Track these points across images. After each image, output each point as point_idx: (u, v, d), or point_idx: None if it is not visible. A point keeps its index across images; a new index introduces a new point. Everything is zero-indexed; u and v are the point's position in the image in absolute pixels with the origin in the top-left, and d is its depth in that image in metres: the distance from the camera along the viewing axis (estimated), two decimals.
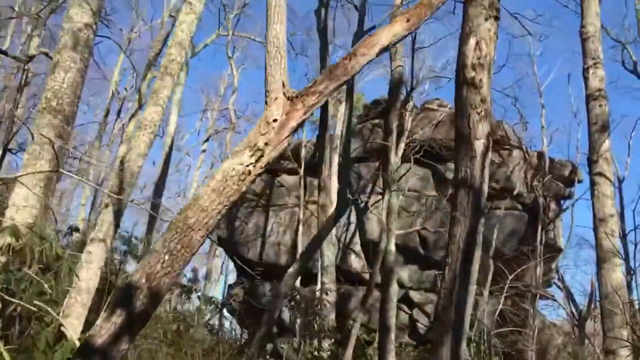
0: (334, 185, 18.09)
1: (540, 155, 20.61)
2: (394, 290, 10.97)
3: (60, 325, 5.69)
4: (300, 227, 23.82)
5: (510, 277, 14.89)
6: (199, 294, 11.91)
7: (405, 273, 20.63)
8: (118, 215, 6.57)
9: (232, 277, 33.00)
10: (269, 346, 16.11)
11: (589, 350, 13.73)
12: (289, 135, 2.85)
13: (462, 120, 4.97)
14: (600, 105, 9.59)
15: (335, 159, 18.37)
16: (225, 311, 26.83)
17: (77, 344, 5.57)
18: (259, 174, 2.76)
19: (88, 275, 6.03)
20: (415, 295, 20.19)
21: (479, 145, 4.87)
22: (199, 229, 2.58)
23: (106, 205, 6.62)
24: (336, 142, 18.34)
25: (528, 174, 19.91)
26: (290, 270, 8.27)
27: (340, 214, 9.09)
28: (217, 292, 39.81)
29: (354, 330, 10.91)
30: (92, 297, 6.23)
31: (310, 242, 10.78)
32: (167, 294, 2.68)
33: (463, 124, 4.95)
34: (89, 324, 6.12)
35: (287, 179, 25.75)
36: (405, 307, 20.33)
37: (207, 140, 28.42)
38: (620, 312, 8.29)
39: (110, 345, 2.37)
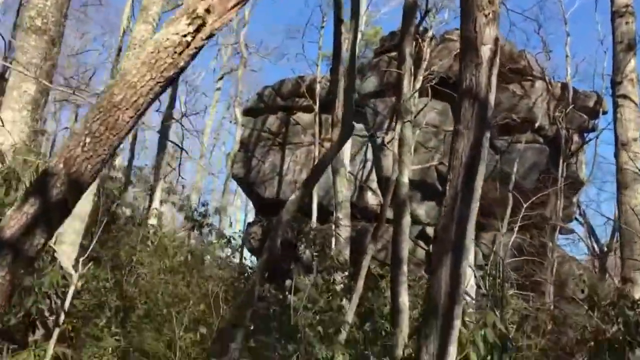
0: None
1: (564, 86, 19.79)
2: (407, 222, 10.70)
3: (54, 251, 5.55)
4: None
5: (525, 208, 14.47)
6: (213, 229, 11.77)
7: (422, 209, 20.41)
8: None
9: (251, 217, 33.26)
10: (288, 282, 16.19)
11: (608, 283, 13.47)
12: (237, 5, 2.46)
13: (467, 24, 4.51)
14: (626, 23, 8.93)
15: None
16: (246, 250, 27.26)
17: (70, 270, 5.43)
18: (199, 48, 2.39)
19: (80, 201, 5.83)
20: (432, 232, 20.01)
21: (486, 51, 4.43)
22: (127, 108, 2.25)
23: None
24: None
25: (551, 105, 19.19)
26: (293, 196, 8.03)
27: (344, 138, 8.71)
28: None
29: (364, 262, 10.74)
30: (86, 225, 6.07)
31: (314, 167, 10.47)
32: (91, 182, 2.39)
33: (468, 27, 4.49)
34: (84, 250, 5.99)
35: (302, 117, 25.37)
36: (422, 243, 20.22)
37: (221, 78, 27.96)
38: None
39: (21, 238, 2.13)
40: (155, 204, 12.13)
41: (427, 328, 4.19)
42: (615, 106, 8.72)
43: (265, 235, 22.90)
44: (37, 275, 5.01)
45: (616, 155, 8.59)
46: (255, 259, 26.04)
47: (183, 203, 12.14)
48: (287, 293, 9.70)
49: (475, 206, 4.32)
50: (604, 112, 19.64)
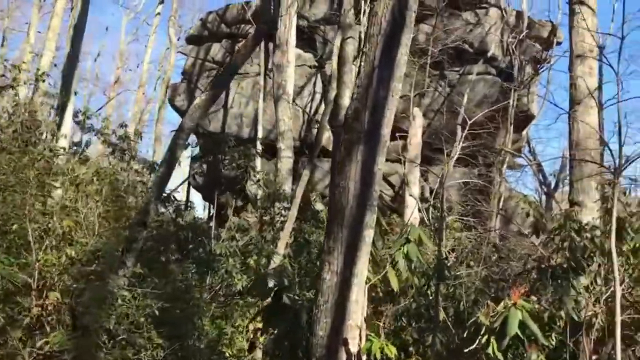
0: (291, 42, 16.39)
1: (519, 14, 18.91)
2: None
3: None
4: (262, 97, 22.30)
5: (474, 141, 13.81)
6: (132, 153, 10.54)
7: None
8: None
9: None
10: (236, 219, 15.32)
11: (556, 213, 12.96)
12: None
13: None
14: None
15: (294, 13, 16.49)
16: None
17: None
18: None
19: None
20: None
21: None
22: None
23: None
24: None
25: (505, 35, 18.34)
26: (196, 101, 6.97)
27: (260, 35, 7.54)
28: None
29: (298, 189, 9.89)
30: None
31: (223, 69, 9.32)
32: None
33: None
34: None
35: None
36: None
37: (161, 2, 25.86)
38: (591, 158, 7.26)
39: None
40: (66, 125, 10.78)
41: (330, 240, 3.33)
42: (572, 14, 7.85)
43: (212, 171, 21.82)
44: None
45: (570, 68, 7.79)
46: (200, 196, 25.06)
47: (101, 125, 10.83)
48: (210, 224, 8.78)
49: (395, 87, 3.39)
50: (559, 43, 18.95)
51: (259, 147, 19.99)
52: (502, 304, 4.67)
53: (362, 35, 17.77)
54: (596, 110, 7.61)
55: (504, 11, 18.40)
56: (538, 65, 19.19)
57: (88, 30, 14.71)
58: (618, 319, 4.78)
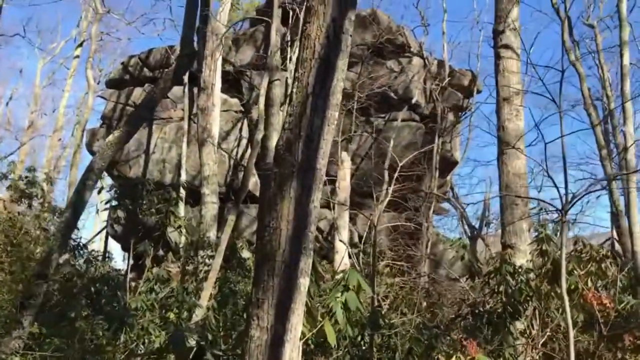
0: (217, 85, 16.04)
1: (440, 63, 19.55)
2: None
3: None
4: (185, 142, 21.69)
5: (401, 186, 13.79)
6: (44, 201, 9.65)
7: None
8: None
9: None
10: (156, 270, 14.37)
11: (488, 255, 13.00)
12: None
13: None
14: None
15: (219, 56, 16.20)
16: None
17: None
18: None
19: None
20: None
21: None
22: None
23: None
24: (220, 33, 16.06)
25: (427, 83, 18.83)
26: (108, 138, 6.37)
27: (180, 68, 7.05)
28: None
29: (223, 235, 9.33)
30: None
31: (139, 104, 8.75)
32: None
33: None
34: None
35: (172, 90, 23.35)
36: None
37: (80, 45, 24.89)
38: (522, 202, 7.21)
39: None
40: None
41: (259, 291, 2.86)
42: (497, 58, 7.97)
43: (131, 219, 20.70)
44: None
45: (497, 111, 7.84)
46: (119, 246, 23.80)
47: (7, 170, 9.89)
48: (123, 276, 8.03)
49: (332, 116, 3.04)
50: (479, 91, 19.68)
51: (182, 192, 19.22)
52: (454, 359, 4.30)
53: (289, 81, 17.73)
54: (524, 153, 7.65)
55: (426, 60, 18.94)
56: (460, 113, 19.77)
57: (1, 73, 13.69)
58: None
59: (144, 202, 8.95)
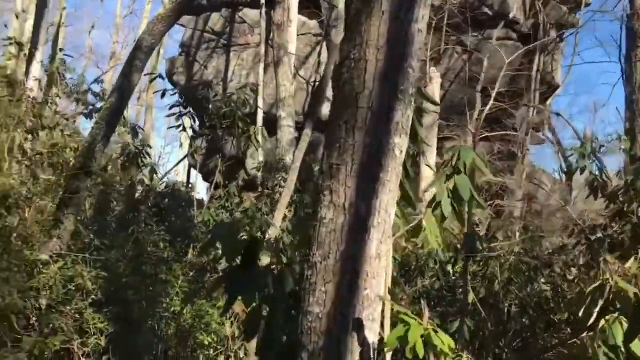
0: (293, 18, 14.99)
1: None
2: None
3: None
4: (262, 69, 20.97)
5: (495, 112, 12.39)
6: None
7: None
8: None
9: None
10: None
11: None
12: None
13: None
14: None
15: None
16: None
17: None
18: None
19: None
20: None
21: None
22: None
23: None
24: None
25: None
26: (159, 12, 5.53)
27: None
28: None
29: (296, 156, 8.52)
30: None
31: None
32: None
33: None
34: None
35: (249, 14, 22.51)
36: None
37: None
38: None
39: None
40: (35, 72, 9.33)
41: (334, 153, 1.92)
42: None
43: (211, 148, 20.63)
44: None
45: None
46: (200, 177, 24.01)
47: (75, 83, 9.44)
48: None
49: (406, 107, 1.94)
50: (587, 4, 17.39)
51: (260, 119, 18.74)
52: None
53: None
54: None
55: None
56: (564, 30, 17.65)
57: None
58: None
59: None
